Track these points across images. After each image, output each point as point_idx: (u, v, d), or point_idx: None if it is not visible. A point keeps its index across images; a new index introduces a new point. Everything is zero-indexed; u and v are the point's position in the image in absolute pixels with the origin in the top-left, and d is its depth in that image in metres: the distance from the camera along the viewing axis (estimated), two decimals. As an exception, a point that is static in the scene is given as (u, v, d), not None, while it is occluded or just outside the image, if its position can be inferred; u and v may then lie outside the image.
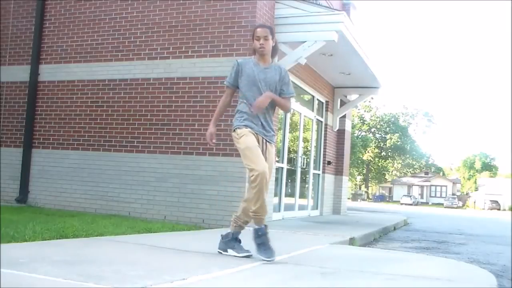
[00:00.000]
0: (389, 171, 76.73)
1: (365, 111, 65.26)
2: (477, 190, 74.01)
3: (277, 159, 9.01)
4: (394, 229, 10.82)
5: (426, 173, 77.93)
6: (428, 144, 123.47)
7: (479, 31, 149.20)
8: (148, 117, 8.24)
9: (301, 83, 10.22)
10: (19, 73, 9.32)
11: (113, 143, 8.45)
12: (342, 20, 7.98)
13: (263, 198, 3.94)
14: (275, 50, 4.30)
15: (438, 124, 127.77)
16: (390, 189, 78.07)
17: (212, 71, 7.86)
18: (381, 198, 71.73)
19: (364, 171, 70.90)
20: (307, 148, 11.51)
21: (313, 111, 11.44)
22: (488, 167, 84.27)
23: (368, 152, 66.73)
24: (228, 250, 4.21)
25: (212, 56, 7.88)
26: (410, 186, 74.95)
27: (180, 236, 5.89)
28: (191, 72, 8.01)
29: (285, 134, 9.56)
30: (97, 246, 4.38)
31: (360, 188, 75.23)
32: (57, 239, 4.65)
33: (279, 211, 9.44)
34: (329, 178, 12.50)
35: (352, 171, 62.75)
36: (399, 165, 77.10)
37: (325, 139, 12.15)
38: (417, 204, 62.85)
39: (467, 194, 78.48)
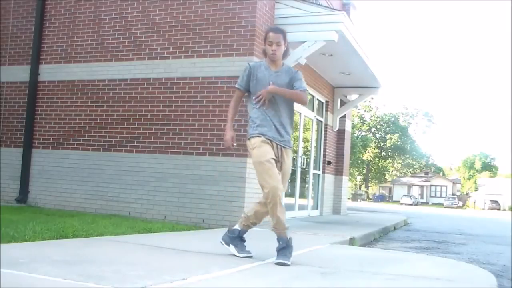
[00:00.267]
0: (389, 171, 76.71)
1: (365, 111, 65.24)
2: (477, 190, 74.03)
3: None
4: (394, 229, 10.82)
5: (426, 173, 77.95)
6: (428, 144, 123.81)
7: (479, 31, 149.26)
8: (148, 117, 8.24)
9: (301, 83, 10.20)
10: (19, 73, 9.32)
11: (113, 143, 8.45)
12: (342, 20, 7.99)
13: (278, 213, 3.87)
14: (286, 52, 4.25)
15: (438, 124, 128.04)
16: (390, 189, 78.10)
17: (212, 71, 7.86)
18: (381, 198, 71.75)
19: (364, 171, 70.89)
20: (307, 148, 11.52)
21: (313, 111, 11.44)
22: (488, 167, 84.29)
23: (368, 152, 66.71)
24: (230, 245, 4.20)
25: (212, 56, 7.88)
26: (410, 186, 74.97)
27: (180, 236, 5.88)
28: (191, 72, 8.01)
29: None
30: (97, 246, 4.38)
31: (360, 188, 75.25)
32: (57, 239, 4.65)
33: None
34: (329, 178, 12.50)
35: (352, 171, 62.75)
36: (399, 165, 77.08)
37: (325, 139, 12.16)
38: (417, 204, 62.88)
39: (467, 194, 78.49)
